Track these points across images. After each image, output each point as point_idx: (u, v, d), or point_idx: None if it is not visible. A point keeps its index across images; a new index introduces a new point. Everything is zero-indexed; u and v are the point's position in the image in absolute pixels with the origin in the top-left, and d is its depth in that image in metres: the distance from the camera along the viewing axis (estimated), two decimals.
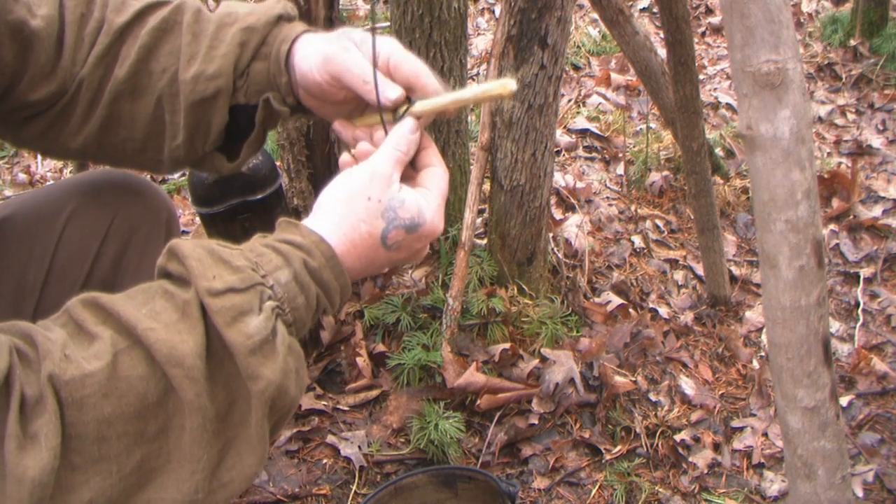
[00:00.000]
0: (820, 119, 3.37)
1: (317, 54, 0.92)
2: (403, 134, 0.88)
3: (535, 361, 2.02)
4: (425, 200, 0.86)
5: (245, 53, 0.96)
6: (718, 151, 3.01)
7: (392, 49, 0.92)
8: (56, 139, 1.02)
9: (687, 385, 2.11)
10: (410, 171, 0.92)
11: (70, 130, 1.00)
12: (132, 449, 0.70)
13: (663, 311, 2.35)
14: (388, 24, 2.23)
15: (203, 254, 0.76)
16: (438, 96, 0.92)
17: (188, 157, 1.02)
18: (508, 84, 0.89)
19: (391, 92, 0.89)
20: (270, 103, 0.97)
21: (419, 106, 0.91)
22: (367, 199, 0.83)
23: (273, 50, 0.96)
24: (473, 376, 1.92)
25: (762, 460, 1.93)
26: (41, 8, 0.96)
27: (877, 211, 2.80)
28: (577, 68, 3.81)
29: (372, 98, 0.89)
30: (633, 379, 2.06)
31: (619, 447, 1.92)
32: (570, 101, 3.45)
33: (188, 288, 0.74)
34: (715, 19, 4.24)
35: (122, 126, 1.00)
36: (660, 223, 2.74)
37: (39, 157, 3.31)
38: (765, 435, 1.99)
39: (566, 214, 2.65)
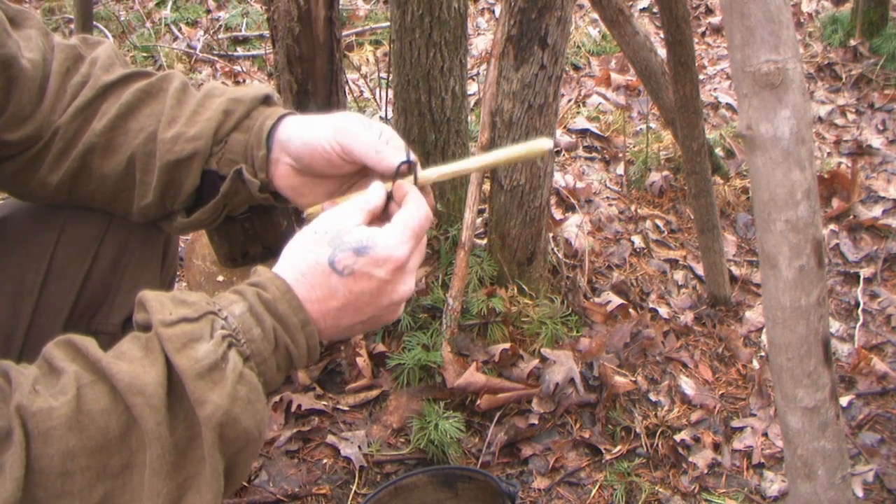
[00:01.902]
0: (820, 119, 3.37)
1: (325, 125, 0.94)
2: (374, 188, 0.89)
3: (535, 361, 2.02)
4: (380, 230, 0.84)
5: (228, 121, 0.99)
6: (718, 151, 3.01)
7: (391, 134, 0.94)
8: (26, 185, 1.04)
9: (687, 385, 2.11)
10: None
11: (40, 177, 1.03)
12: (94, 484, 0.70)
13: (663, 311, 2.35)
14: (388, 23, 2.23)
15: (164, 298, 0.79)
16: (452, 164, 0.93)
17: (157, 214, 1.05)
18: (544, 144, 0.89)
19: (398, 159, 0.91)
20: (241, 174, 0.99)
21: (426, 174, 0.92)
22: (313, 233, 0.84)
23: (256, 124, 0.99)
24: (473, 376, 1.92)
25: (762, 460, 1.93)
26: (29, 52, 0.98)
27: (877, 211, 2.80)
28: (577, 68, 3.81)
29: (379, 168, 0.91)
30: (633, 379, 2.06)
31: (619, 447, 1.92)
32: (570, 101, 3.45)
33: (151, 329, 0.76)
34: (715, 19, 4.24)
35: (93, 179, 1.03)
36: (660, 223, 2.74)
37: None
38: (765, 435, 1.99)
39: (566, 214, 2.65)
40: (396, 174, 0.90)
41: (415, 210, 0.86)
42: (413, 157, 0.93)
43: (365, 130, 0.92)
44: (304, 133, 0.96)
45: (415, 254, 0.86)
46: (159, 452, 0.71)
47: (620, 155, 3.07)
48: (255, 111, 1.00)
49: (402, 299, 0.87)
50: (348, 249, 0.81)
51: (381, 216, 0.90)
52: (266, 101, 1.02)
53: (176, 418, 0.73)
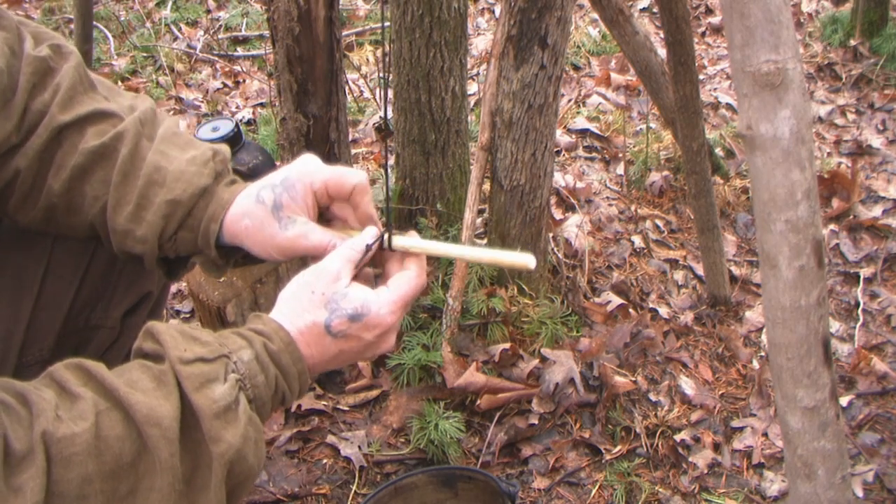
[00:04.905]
0: (820, 119, 3.37)
1: (269, 247, 0.97)
2: (363, 235, 0.94)
3: (535, 361, 2.02)
4: (375, 295, 0.90)
5: (170, 226, 1.00)
6: (718, 151, 3.01)
7: (323, 176, 0.97)
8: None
9: (687, 385, 2.11)
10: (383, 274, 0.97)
11: (9, 214, 1.04)
12: None
13: (663, 311, 2.35)
14: (388, 23, 2.23)
15: (175, 332, 0.83)
16: (434, 242, 0.96)
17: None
18: (529, 261, 0.91)
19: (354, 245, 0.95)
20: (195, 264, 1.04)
21: (402, 241, 0.95)
22: (311, 292, 0.89)
23: (201, 225, 1.00)
24: (473, 376, 1.92)
25: (762, 460, 1.93)
26: None
27: (877, 211, 2.80)
28: (577, 68, 3.81)
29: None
30: (633, 379, 2.06)
31: (619, 447, 1.92)
32: (570, 101, 3.45)
33: (163, 362, 0.81)
34: (715, 19, 4.24)
35: (62, 230, 1.05)
36: (660, 223, 2.74)
37: None
38: (765, 435, 1.99)
39: (566, 214, 2.65)
40: (383, 239, 0.95)
41: (413, 280, 0.93)
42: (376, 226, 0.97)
43: (311, 238, 0.95)
44: (257, 250, 0.98)
45: (400, 318, 0.94)
46: (170, 481, 0.76)
47: (620, 155, 3.07)
48: (196, 208, 1.00)
49: (382, 352, 0.95)
50: (344, 316, 0.88)
51: (375, 261, 0.97)
52: (204, 193, 1.00)
53: (184, 450, 0.78)
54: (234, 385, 0.82)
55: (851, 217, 2.78)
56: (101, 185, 1.00)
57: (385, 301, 0.90)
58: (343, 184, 0.97)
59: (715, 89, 3.61)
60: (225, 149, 1.06)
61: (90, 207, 1.01)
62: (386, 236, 0.96)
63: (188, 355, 0.80)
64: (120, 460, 0.74)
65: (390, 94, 2.33)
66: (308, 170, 0.98)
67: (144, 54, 3.96)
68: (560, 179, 2.80)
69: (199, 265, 1.07)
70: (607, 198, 2.85)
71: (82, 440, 0.72)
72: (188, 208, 1.00)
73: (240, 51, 4.09)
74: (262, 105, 3.52)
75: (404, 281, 0.93)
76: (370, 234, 0.95)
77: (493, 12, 4.40)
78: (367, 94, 3.54)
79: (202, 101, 3.59)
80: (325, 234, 0.96)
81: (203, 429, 0.78)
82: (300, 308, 0.89)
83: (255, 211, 0.97)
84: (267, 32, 3.65)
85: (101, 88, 1.06)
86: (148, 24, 4.26)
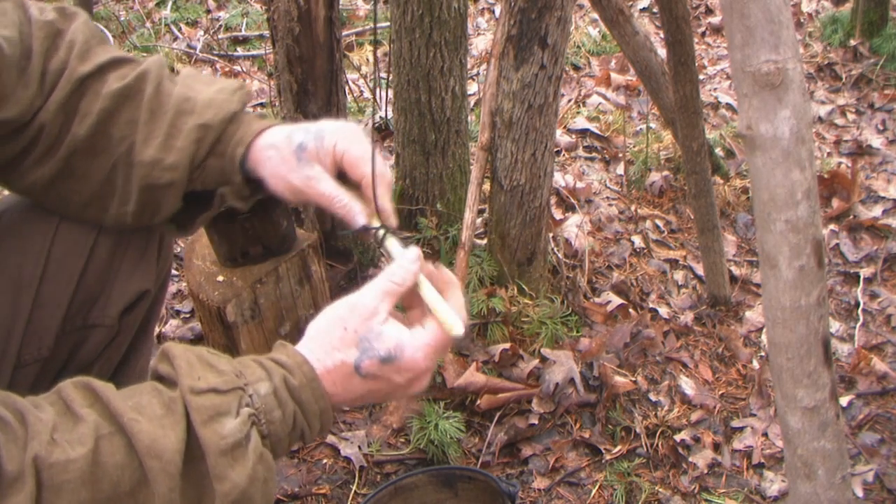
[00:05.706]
0: (820, 119, 3.37)
1: (282, 182, 0.99)
2: (402, 264, 0.89)
3: (535, 361, 2.02)
4: (410, 336, 0.85)
5: (201, 150, 1.01)
6: (718, 151, 3.01)
7: (347, 146, 0.98)
8: (6, 176, 1.05)
9: (687, 385, 2.11)
10: (421, 308, 0.91)
11: (23, 170, 1.03)
12: None
13: (663, 311, 2.35)
14: (388, 24, 2.23)
15: (192, 357, 0.80)
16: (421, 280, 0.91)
17: (134, 224, 1.07)
18: (456, 328, 0.87)
19: (361, 218, 0.96)
20: (224, 198, 1.04)
21: (389, 243, 0.95)
22: (343, 329, 0.85)
23: (228, 150, 1.02)
24: (473, 376, 1.92)
25: (762, 460, 1.93)
26: (4, 28, 0.96)
27: (877, 211, 2.80)
28: (577, 68, 3.81)
29: (345, 217, 0.97)
30: (633, 379, 2.06)
31: (619, 447, 1.92)
32: (570, 101, 3.45)
33: (175, 388, 0.78)
34: (715, 19, 4.24)
35: (75, 179, 1.04)
36: (660, 223, 2.74)
37: None
38: (765, 435, 1.99)
39: (566, 214, 2.65)
40: (376, 234, 0.96)
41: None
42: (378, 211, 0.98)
43: (321, 188, 0.97)
44: (274, 185, 1.00)
45: (435, 362, 0.89)
46: None
47: (620, 155, 3.07)
48: (225, 133, 1.02)
49: (411, 395, 0.91)
50: (376, 357, 0.84)
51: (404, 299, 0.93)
52: (234, 118, 1.03)
53: (187, 483, 0.75)
54: (247, 420, 0.78)
55: (851, 217, 2.78)
56: (127, 126, 1.01)
57: (420, 344, 0.85)
58: (356, 166, 0.98)
59: (715, 89, 3.61)
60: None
61: (116, 147, 1.01)
62: (381, 232, 0.96)
63: (201, 385, 0.77)
64: (118, 488, 0.72)
65: (390, 93, 2.33)
66: (343, 133, 0.99)
67: (144, 54, 3.96)
68: (560, 179, 2.80)
69: (226, 195, 1.07)
70: (607, 198, 2.85)
71: (76, 467, 0.70)
72: (218, 133, 1.01)
73: (240, 51, 4.09)
74: (262, 105, 3.52)
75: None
76: (409, 256, 0.89)
77: (493, 12, 4.40)
78: (367, 94, 3.54)
79: None
80: (336, 188, 0.97)
81: (208, 465, 0.75)
82: (330, 345, 0.84)
83: (282, 145, 0.99)
84: (267, 32, 3.65)
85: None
86: (148, 24, 4.26)
